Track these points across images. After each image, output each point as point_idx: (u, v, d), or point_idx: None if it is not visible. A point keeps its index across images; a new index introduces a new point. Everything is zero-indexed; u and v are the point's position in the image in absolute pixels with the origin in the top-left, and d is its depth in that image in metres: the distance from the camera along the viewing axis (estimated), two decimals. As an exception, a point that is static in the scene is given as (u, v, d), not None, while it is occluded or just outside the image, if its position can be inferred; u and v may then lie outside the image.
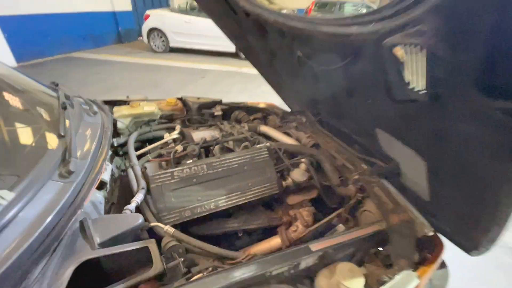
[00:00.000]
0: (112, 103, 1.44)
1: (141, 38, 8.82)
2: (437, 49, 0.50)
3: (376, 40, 0.67)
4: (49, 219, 0.60)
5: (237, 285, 0.61)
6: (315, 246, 0.74)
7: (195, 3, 6.69)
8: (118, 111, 1.31)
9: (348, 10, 11.66)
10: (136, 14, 8.95)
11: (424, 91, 0.64)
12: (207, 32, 6.43)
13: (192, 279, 0.60)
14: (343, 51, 0.91)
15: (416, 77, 0.63)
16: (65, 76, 4.98)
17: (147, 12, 6.84)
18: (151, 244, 0.66)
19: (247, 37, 1.57)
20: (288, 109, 1.87)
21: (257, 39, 1.46)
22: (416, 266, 0.80)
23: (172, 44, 6.89)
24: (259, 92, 4.31)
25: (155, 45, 7.09)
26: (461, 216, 0.90)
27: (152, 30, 6.88)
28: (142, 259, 0.65)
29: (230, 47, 6.56)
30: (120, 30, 8.18)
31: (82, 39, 7.07)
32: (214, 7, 1.48)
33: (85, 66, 5.81)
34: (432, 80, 0.59)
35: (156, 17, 6.75)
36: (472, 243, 0.94)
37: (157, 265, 0.62)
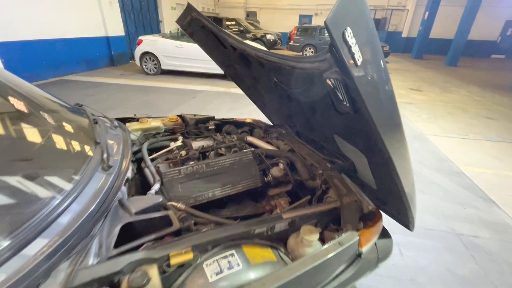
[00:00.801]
0: (122, 120, 1.73)
1: (132, 61, 9.25)
2: (346, 82, 0.85)
3: (320, 73, 1.02)
4: (100, 196, 0.88)
5: (230, 237, 0.89)
6: (286, 215, 1.04)
7: (185, 30, 7.21)
8: (130, 126, 1.60)
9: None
10: (128, 39, 9.42)
11: (350, 106, 0.99)
12: (197, 56, 6.91)
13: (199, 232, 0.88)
14: (304, 79, 1.27)
15: (343, 97, 0.98)
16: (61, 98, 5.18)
17: (140, 37, 7.27)
18: (171, 212, 0.94)
19: (234, 66, 1.93)
20: (270, 123, 2.22)
21: (243, 67, 1.82)
22: (359, 230, 1.11)
23: (164, 67, 7.31)
24: (248, 111, 4.69)
25: (147, 68, 7.47)
26: (394, 197, 1.23)
27: (144, 54, 7.29)
28: (163, 224, 0.93)
29: (219, 69, 7.02)
30: (112, 54, 8.54)
31: (76, 63, 7.36)
32: (208, 42, 1.84)
33: (79, 88, 6.06)
34: (351, 99, 0.94)
35: (148, 42, 7.18)
36: (406, 218, 1.26)
37: (176, 225, 0.90)
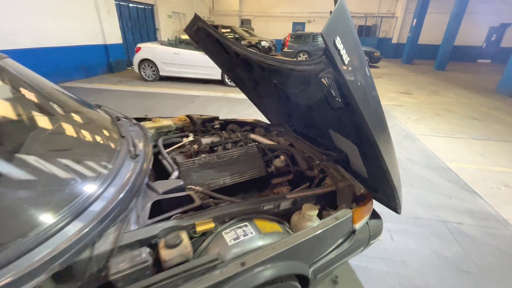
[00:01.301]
0: (136, 120, 1.89)
1: (130, 68, 9.41)
2: (338, 81, 1.03)
3: (316, 74, 1.20)
4: (132, 178, 1.03)
5: (244, 211, 1.06)
6: (289, 195, 1.21)
7: (183, 37, 7.42)
8: (144, 125, 1.76)
9: (321, 40, 13.01)
10: (125, 46, 9.59)
11: (341, 101, 1.17)
12: (195, 62, 7.12)
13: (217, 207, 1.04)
14: (302, 80, 1.45)
15: (336, 93, 1.17)
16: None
17: (139, 45, 7.44)
18: (192, 192, 1.10)
19: (237, 70, 2.11)
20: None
21: (245, 71, 2.00)
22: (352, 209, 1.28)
23: (162, 73, 7.48)
24: (245, 114, 4.86)
25: (145, 75, 7.63)
26: (383, 184, 1.40)
27: (143, 61, 7.45)
28: (185, 202, 1.08)
29: (216, 75, 7.24)
30: (111, 61, 8.69)
31: (75, 70, 7.49)
32: (212, 49, 2.02)
33: (80, 95, 6.08)
34: (342, 95, 1.12)
35: (147, 49, 7.35)
36: (394, 203, 1.44)
37: (197, 201, 1.06)
